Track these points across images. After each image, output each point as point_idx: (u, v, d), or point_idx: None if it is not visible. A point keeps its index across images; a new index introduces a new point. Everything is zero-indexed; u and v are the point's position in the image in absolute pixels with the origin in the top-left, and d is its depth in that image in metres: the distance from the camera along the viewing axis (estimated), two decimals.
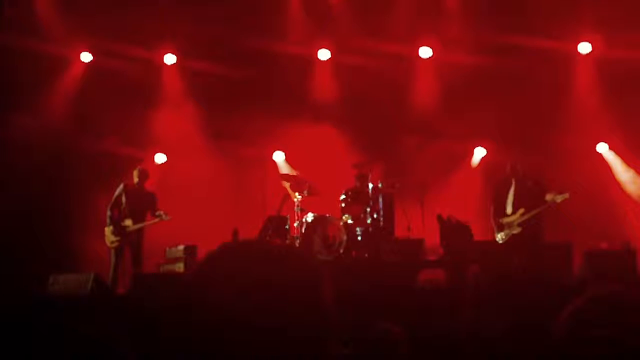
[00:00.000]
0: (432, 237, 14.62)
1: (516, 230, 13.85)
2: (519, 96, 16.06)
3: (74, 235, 15.67)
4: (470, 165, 17.08)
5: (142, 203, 14.62)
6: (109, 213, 14.54)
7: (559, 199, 13.57)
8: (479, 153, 17.04)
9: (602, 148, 16.55)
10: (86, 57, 17.01)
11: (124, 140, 16.56)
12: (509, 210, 13.98)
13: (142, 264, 14.54)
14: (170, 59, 17.31)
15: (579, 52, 16.51)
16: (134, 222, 14.48)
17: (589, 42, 16.37)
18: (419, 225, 14.83)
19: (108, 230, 14.45)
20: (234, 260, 2.08)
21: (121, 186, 14.68)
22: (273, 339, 1.98)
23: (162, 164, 17.21)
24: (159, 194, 14.79)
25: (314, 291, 2.06)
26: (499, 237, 14.00)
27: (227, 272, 2.04)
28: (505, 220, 13.96)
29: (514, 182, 14.04)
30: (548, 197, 13.63)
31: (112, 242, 14.40)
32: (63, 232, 15.75)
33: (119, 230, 14.39)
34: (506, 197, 14.06)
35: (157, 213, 14.47)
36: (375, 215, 14.45)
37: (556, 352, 2.60)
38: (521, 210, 13.81)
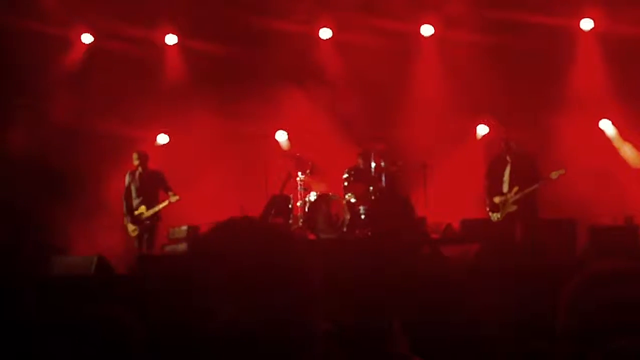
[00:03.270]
0: (434, 216, 14.64)
1: (511, 209, 13.90)
2: (521, 73, 16.03)
3: (77, 217, 15.67)
4: (472, 143, 17.05)
5: (150, 185, 14.78)
6: (124, 203, 14.80)
7: (555, 175, 13.66)
8: (482, 130, 17.01)
9: (605, 124, 16.51)
10: (87, 38, 16.98)
11: (126, 121, 16.53)
12: (505, 188, 14.02)
13: (154, 247, 14.75)
14: (171, 39, 17.27)
15: (581, 29, 16.46)
16: (148, 207, 14.70)
17: (591, 19, 16.31)
18: (421, 203, 14.84)
19: (126, 220, 14.82)
20: (224, 239, 2.09)
21: (127, 175, 14.85)
22: (260, 320, 1.98)
23: (164, 144, 17.21)
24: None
25: (300, 272, 2.07)
26: (494, 216, 14.04)
27: (217, 251, 2.06)
28: (500, 199, 13.99)
29: (509, 160, 14.08)
30: (553, 174, 13.70)
31: (132, 231, 14.88)
32: (66, 214, 15.75)
33: (135, 219, 14.68)
34: (501, 175, 14.10)
35: (169, 193, 14.66)
36: (377, 194, 14.45)
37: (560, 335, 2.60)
38: (515, 189, 13.85)
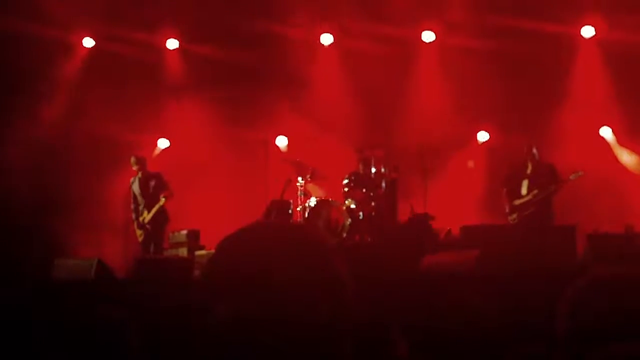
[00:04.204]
0: (434, 222, 14.63)
1: (528, 211, 14.00)
2: (522, 80, 16.04)
3: (77, 221, 15.67)
4: (473, 149, 17.06)
5: (151, 189, 14.80)
6: (132, 207, 14.88)
7: (573, 177, 13.83)
8: (482, 137, 17.02)
9: (606, 132, 16.52)
10: (88, 42, 16.99)
11: (127, 125, 16.54)
12: (523, 191, 14.11)
13: (161, 250, 14.78)
14: (172, 43, 17.30)
15: (582, 36, 16.47)
16: (149, 211, 14.75)
17: (592, 26, 16.32)
18: (421, 209, 14.83)
19: (135, 225, 14.74)
20: (246, 247, 2.04)
21: (131, 180, 14.90)
22: (291, 331, 1.94)
23: (165, 148, 17.21)
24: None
25: (333, 276, 2.02)
26: (511, 218, 14.16)
27: (240, 262, 2.00)
28: (519, 202, 14.08)
29: (530, 165, 14.18)
30: (571, 176, 13.87)
31: (139, 236, 14.85)
32: (66, 218, 15.76)
33: (140, 224, 14.72)
34: (521, 180, 14.19)
35: (161, 195, 14.67)
36: (378, 200, 14.46)
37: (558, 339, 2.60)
38: (534, 192, 13.95)
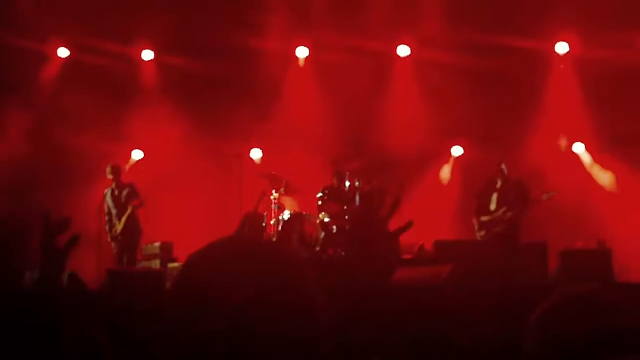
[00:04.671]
0: (407, 236, 14.64)
1: (498, 228, 13.98)
2: (496, 95, 16.12)
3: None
4: (447, 163, 17.11)
5: (123, 199, 14.70)
6: (106, 219, 14.76)
7: (546, 196, 13.87)
8: (456, 151, 17.07)
9: (579, 147, 16.61)
10: (63, 52, 16.94)
11: (101, 136, 16.48)
12: (492, 206, 14.11)
13: (134, 262, 14.68)
14: (147, 54, 17.27)
15: (556, 52, 16.56)
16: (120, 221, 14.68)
17: (566, 42, 16.42)
18: (395, 223, 14.84)
19: (108, 237, 14.67)
20: (215, 262, 2.03)
21: (104, 192, 14.78)
22: (262, 346, 1.93)
23: (138, 160, 17.16)
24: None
25: (303, 292, 2.02)
26: (479, 234, 14.13)
27: (211, 272, 2.00)
28: (486, 218, 14.07)
29: (499, 182, 14.18)
30: (544, 196, 13.88)
31: (113, 248, 14.64)
32: (40, 228, 15.64)
33: (113, 236, 14.61)
34: (490, 196, 14.19)
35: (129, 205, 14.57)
36: (351, 214, 14.45)
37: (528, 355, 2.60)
38: (504, 209, 13.94)
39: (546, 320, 2.60)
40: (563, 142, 15.65)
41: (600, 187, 16.48)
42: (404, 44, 17.00)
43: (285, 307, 1.96)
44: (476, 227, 14.25)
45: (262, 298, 1.94)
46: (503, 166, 14.19)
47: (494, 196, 14.17)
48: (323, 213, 14.35)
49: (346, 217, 14.33)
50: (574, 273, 12.04)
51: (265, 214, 14.74)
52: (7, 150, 15.86)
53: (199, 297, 1.96)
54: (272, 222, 14.56)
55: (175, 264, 14.26)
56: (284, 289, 1.97)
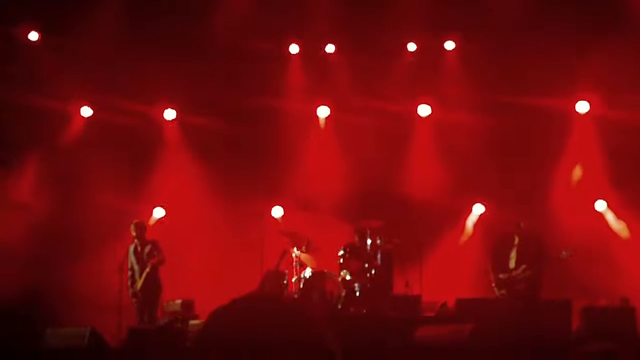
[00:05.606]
0: (429, 294, 14.60)
1: (519, 286, 13.89)
2: (517, 153, 16.15)
3: (73, 292, 15.61)
4: (468, 220, 17.08)
5: (145, 256, 14.72)
6: (129, 275, 14.78)
7: (565, 254, 13.75)
8: (478, 210, 17.04)
9: (601, 206, 16.55)
10: (86, 111, 17.09)
11: (123, 194, 16.57)
12: (511, 264, 14.02)
13: (155, 319, 14.64)
14: (170, 114, 17.39)
15: (576, 111, 16.57)
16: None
17: (587, 101, 16.42)
18: (417, 281, 14.80)
19: (129, 293, 14.66)
20: (240, 316, 2.04)
21: (128, 249, 14.82)
22: None
23: (160, 218, 17.20)
24: None
25: (322, 348, 2.02)
26: (500, 292, 14.03)
27: (232, 329, 2.01)
28: (505, 276, 13.98)
29: (517, 239, 14.12)
30: (563, 254, 13.78)
31: (134, 304, 14.60)
32: (62, 288, 15.71)
33: (134, 292, 14.62)
34: (508, 253, 14.11)
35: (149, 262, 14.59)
36: (373, 272, 14.42)
37: None
38: (523, 267, 13.86)
39: None
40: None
41: (623, 244, 16.37)
42: (425, 103, 17.05)
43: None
44: (494, 284, 14.15)
45: (280, 354, 1.95)
46: (522, 224, 14.16)
47: (513, 253, 14.10)
48: (345, 271, 14.34)
49: (368, 275, 14.30)
50: (597, 331, 11.95)
51: (286, 271, 14.73)
52: (30, 208, 15.96)
53: (222, 353, 1.98)
54: (293, 279, 14.55)
55: (197, 322, 14.22)
56: (304, 345, 1.98)
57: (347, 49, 17.11)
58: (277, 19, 16.74)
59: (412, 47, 17.06)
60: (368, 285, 14.29)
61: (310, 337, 2.00)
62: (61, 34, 16.62)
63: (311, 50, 17.30)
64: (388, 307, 14.17)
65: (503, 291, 14.01)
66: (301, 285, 14.26)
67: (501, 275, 14.07)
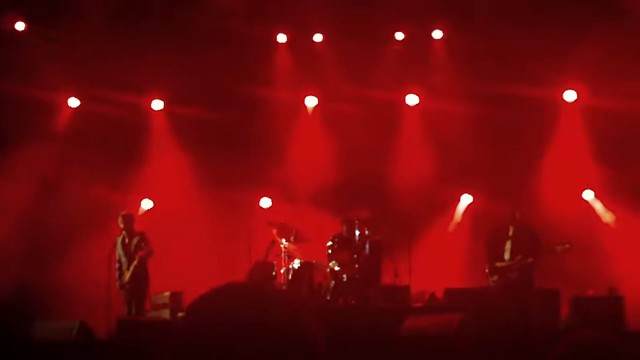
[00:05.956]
0: (418, 284, 14.62)
1: (512, 275, 13.91)
2: (505, 143, 16.14)
3: (60, 283, 15.57)
4: (457, 211, 17.09)
5: (132, 248, 14.66)
6: (116, 267, 14.71)
7: (560, 249, 13.76)
8: (466, 200, 17.05)
9: (588, 195, 16.57)
10: (73, 102, 17.02)
11: (111, 185, 16.53)
12: (506, 255, 14.04)
13: (143, 311, 14.60)
14: (157, 104, 17.34)
15: (564, 100, 16.59)
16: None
17: (575, 90, 16.44)
18: (405, 272, 14.81)
19: (117, 286, 14.61)
20: (220, 307, 2.02)
21: (115, 240, 14.73)
22: None
23: (148, 209, 17.15)
24: None
25: (304, 338, 2.00)
26: (492, 279, 14.05)
27: (213, 320, 1.98)
28: (501, 264, 14.01)
29: (512, 229, 14.14)
30: (558, 248, 13.79)
31: (122, 296, 14.59)
32: (50, 280, 15.67)
33: (121, 284, 14.55)
34: (503, 243, 14.13)
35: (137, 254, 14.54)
36: (362, 262, 14.41)
37: None
38: (519, 257, 13.87)
39: None
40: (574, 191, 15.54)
41: (611, 233, 16.40)
42: (413, 93, 17.04)
43: (286, 354, 1.95)
44: (487, 270, 14.15)
45: (262, 345, 1.93)
46: (517, 214, 14.18)
47: (508, 244, 14.11)
48: (333, 262, 14.33)
49: (356, 265, 14.30)
50: (585, 320, 12.00)
51: (275, 262, 14.72)
52: (17, 200, 15.90)
53: (204, 345, 1.96)
54: (282, 270, 14.53)
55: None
56: (285, 336, 1.96)
57: (335, 38, 17.07)
58: (265, 7, 16.71)
59: (400, 36, 17.03)
60: (357, 275, 14.28)
61: (292, 325, 1.97)
62: (48, 25, 16.54)
63: (299, 39, 17.26)
64: (377, 298, 14.20)
65: (495, 278, 14.03)
66: (290, 276, 14.24)
67: (497, 264, 14.06)
